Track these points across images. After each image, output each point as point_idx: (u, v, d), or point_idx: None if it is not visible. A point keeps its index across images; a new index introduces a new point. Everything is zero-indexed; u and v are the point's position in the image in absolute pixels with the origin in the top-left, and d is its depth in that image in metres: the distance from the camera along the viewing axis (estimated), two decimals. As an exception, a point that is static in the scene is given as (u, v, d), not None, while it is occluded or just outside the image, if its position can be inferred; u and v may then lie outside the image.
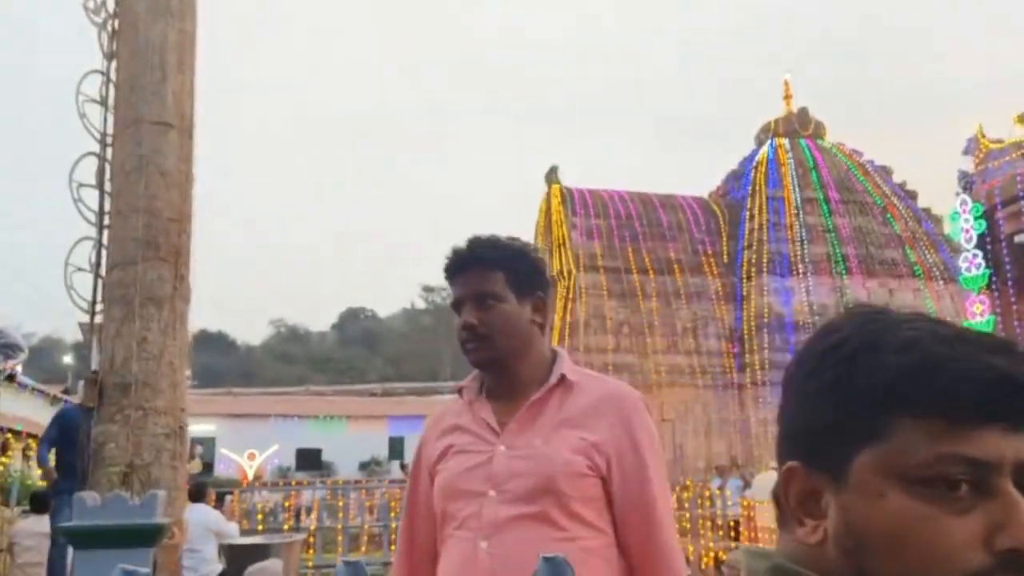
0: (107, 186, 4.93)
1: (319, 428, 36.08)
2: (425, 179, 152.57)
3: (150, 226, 4.78)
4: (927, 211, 28.49)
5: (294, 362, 63.20)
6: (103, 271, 4.88)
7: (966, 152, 12.68)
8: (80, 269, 4.88)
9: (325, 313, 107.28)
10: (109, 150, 4.98)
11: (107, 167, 4.95)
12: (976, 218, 11.27)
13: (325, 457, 34.99)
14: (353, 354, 65.99)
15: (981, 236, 11.38)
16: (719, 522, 11.55)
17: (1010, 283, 12.11)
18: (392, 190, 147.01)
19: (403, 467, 8.17)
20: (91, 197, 4.97)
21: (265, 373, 58.37)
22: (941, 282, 26.48)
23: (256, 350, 69.55)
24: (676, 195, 28.88)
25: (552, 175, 28.42)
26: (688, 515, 11.43)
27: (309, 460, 34.68)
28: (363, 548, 10.19)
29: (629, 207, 27.46)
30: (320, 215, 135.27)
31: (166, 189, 4.84)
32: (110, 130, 4.99)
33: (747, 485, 12.27)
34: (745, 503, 11.15)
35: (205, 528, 6.90)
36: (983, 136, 12.57)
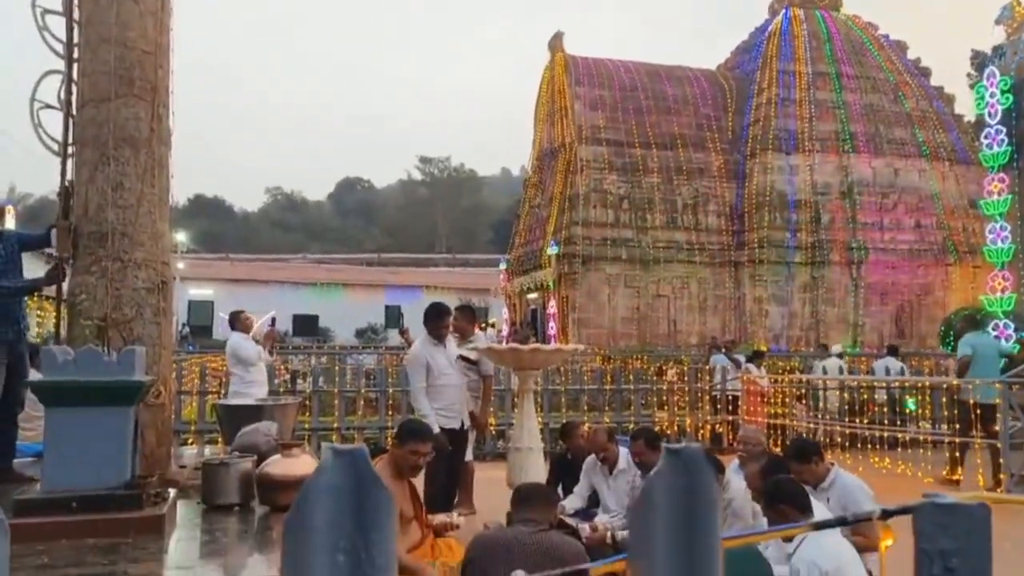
0: (75, 13, 4.47)
1: (316, 295, 36.28)
2: (425, 49, 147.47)
3: (123, 59, 4.36)
4: (939, 90, 27.60)
5: (291, 230, 62.93)
6: (74, 109, 4.49)
7: (998, 21, 11.94)
8: (49, 106, 4.49)
9: (322, 182, 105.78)
10: (74, -27, 4.49)
11: (74, -8, 4.47)
12: (1003, 92, 10.70)
13: (322, 323, 35.34)
14: (350, 224, 65.64)
15: (1006, 111, 10.86)
16: (717, 396, 11.65)
17: (1033, 161, 11.69)
18: (391, 59, 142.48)
19: (402, 334, 8.03)
20: (58, 26, 4.52)
21: (262, 240, 58.20)
22: (947, 163, 25.97)
23: (253, 217, 69.13)
24: (683, 67, 27.88)
25: (556, 42, 27.29)
26: (687, 388, 11.51)
27: (306, 326, 35.04)
28: (360, 412, 10.25)
29: (635, 78, 26.52)
30: (319, 84, 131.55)
31: (139, 18, 4.38)
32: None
33: (737, 365, 12.26)
34: (745, 379, 11.18)
35: (231, 353, 7.96)
36: (1019, 4, 11.81)
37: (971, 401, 8.44)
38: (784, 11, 27.20)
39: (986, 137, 11.30)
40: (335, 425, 10.12)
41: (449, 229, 62.53)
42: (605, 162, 24.71)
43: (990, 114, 11.20)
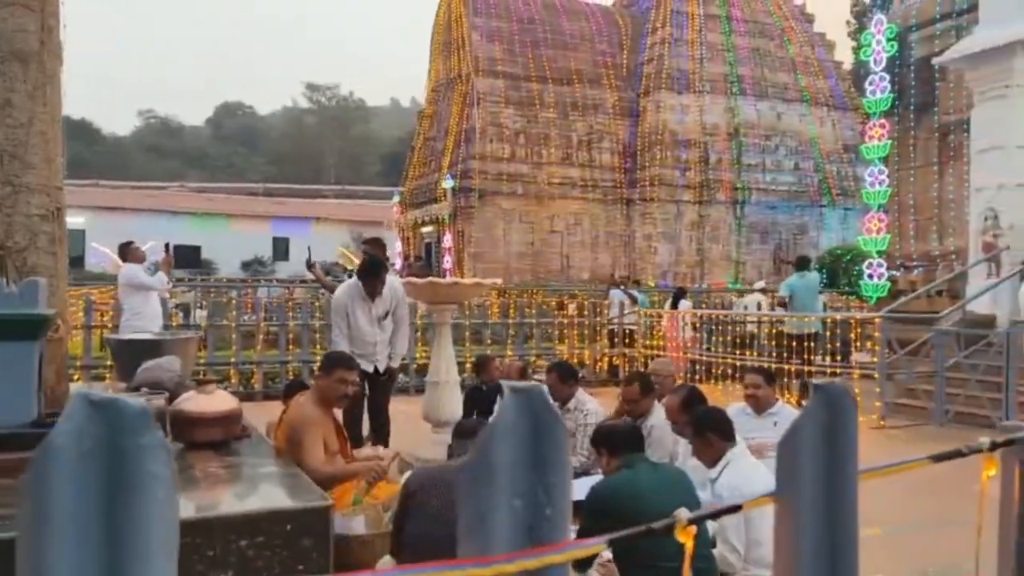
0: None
1: (197, 225, 34.65)
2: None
3: (8, -38, 3.92)
4: (821, 36, 28.65)
5: (167, 156, 59.50)
6: (-48, 16, 4.02)
7: (888, -30, 12.50)
8: (-78, 11, 4.00)
9: (199, 106, 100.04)
10: None
11: None
12: (888, 40, 11.19)
13: (204, 255, 33.89)
14: (231, 151, 62.64)
15: (890, 59, 11.37)
16: (616, 330, 12.00)
17: (912, 108, 12.33)
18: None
19: (310, 267, 7.48)
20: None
21: (135, 167, 54.87)
22: (826, 108, 27.16)
23: (125, 141, 64.92)
24: (581, 1, 27.76)
25: (453, -31, 26.57)
26: (587, 322, 11.81)
27: (186, 258, 33.51)
28: (258, 347, 9.97)
29: (533, 11, 26.22)
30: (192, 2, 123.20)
31: (26, -84, 3.93)
32: None
33: (633, 300, 12.64)
34: (642, 313, 11.55)
35: (128, 283, 7.72)
36: (908, -46, 12.36)
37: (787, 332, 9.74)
38: (680, -50, 27.36)
39: (870, 83, 11.80)
40: (232, 360, 9.83)
41: (337, 160, 60.81)
42: (502, 95, 24.50)
43: (875, 61, 11.67)
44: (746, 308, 13.07)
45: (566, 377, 5.30)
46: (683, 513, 0.64)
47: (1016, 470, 0.74)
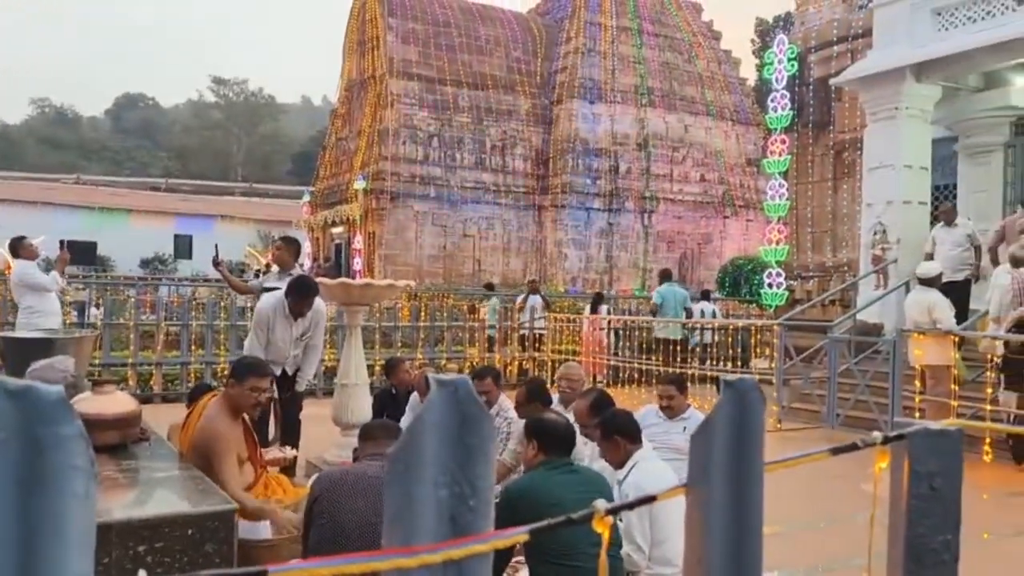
0: None
1: (94, 221, 33.10)
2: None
3: None
4: (727, 53, 29.68)
5: (62, 148, 56.52)
6: None
7: (790, -7, 13.07)
8: None
9: (98, 97, 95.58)
10: None
11: None
12: (790, 59, 11.72)
13: (102, 251, 32.39)
14: (132, 144, 59.95)
15: (791, 78, 11.90)
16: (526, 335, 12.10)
17: (810, 125, 12.91)
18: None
19: (217, 266, 7.16)
20: None
21: (27, 157, 52.05)
22: (730, 123, 28.16)
23: (15, 131, 61.38)
24: (497, 7, 27.95)
25: (369, -32, 26.29)
26: (499, 326, 11.87)
27: (82, 254, 31.96)
28: (158, 347, 9.57)
29: (449, 14, 26.20)
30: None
31: None
32: None
33: (547, 305, 12.83)
34: (552, 318, 11.70)
35: (20, 282, 7.43)
36: (809, -22, 12.97)
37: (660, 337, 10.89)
38: (595, -37, 27.89)
39: (771, 100, 12.31)
40: (130, 360, 9.43)
41: (245, 157, 59.19)
42: (416, 98, 24.38)
43: (777, 79, 12.20)
44: (703, 315, 13.44)
45: (498, 381, 5.33)
46: (601, 504, 0.67)
47: (905, 464, 0.80)
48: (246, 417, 3.96)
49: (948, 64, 9.65)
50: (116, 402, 3.97)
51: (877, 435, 0.79)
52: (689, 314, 11.17)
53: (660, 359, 10.85)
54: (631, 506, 0.72)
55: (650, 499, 0.73)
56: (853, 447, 0.80)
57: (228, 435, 3.74)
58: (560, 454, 3.32)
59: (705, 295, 13.52)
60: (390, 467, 0.57)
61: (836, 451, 0.86)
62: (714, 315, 12.26)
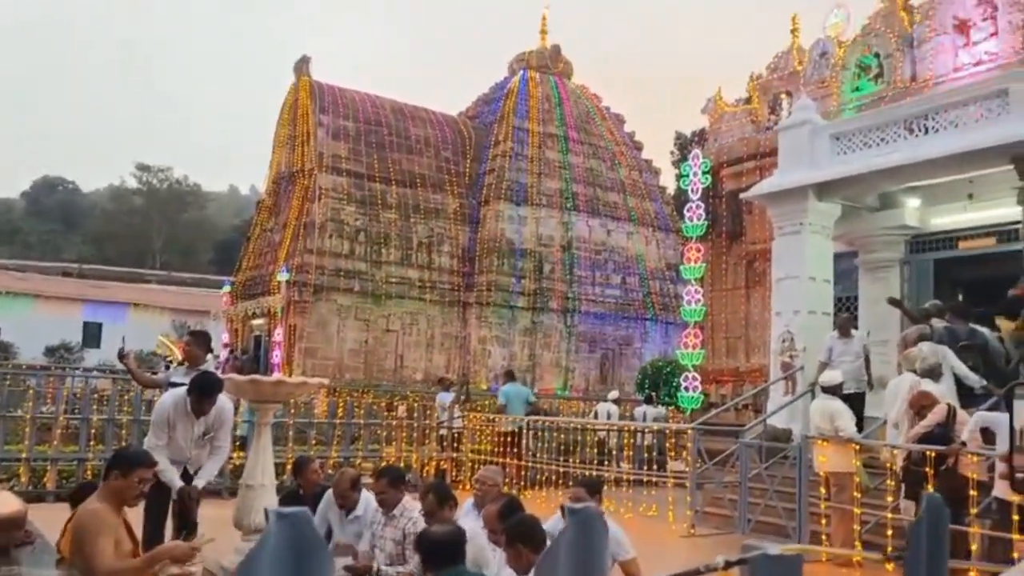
0: None
1: (-2, 305, 31.71)
2: (156, 58, 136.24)
3: None
4: (648, 163, 31.04)
5: (-31, 228, 54.55)
6: None
7: (704, 111, 13.88)
8: None
9: (15, 178, 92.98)
10: None
11: None
12: (704, 172, 12.36)
13: (4, 338, 30.90)
14: (47, 228, 58.23)
15: (706, 190, 12.52)
16: (444, 433, 11.94)
17: (724, 235, 13.49)
18: (106, 45, 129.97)
19: (122, 358, 6.92)
20: None
21: (-70, 237, 49.90)
22: (651, 229, 29.18)
23: (-81, 209, 59.09)
24: (427, 109, 28.67)
25: (303, 66, 26.77)
26: (416, 424, 11.68)
27: (-19, 340, 30.46)
28: (55, 442, 9.07)
29: (380, 113, 26.76)
30: (20, 64, 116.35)
31: None
32: None
33: (460, 400, 12.87)
34: (470, 417, 11.61)
35: None
36: (720, 99, 13.81)
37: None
38: (522, 72, 29.11)
39: (688, 210, 12.89)
40: (23, 455, 8.90)
41: (165, 244, 57.99)
42: (344, 193, 24.56)
43: (692, 190, 12.82)
44: (596, 416, 13.55)
45: (396, 482, 5.20)
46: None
47: (749, 586, 0.85)
48: (126, 515, 3.77)
49: (846, 185, 10.33)
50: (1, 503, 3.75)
51: (720, 559, 0.84)
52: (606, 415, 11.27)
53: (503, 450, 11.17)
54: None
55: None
56: (696, 572, 0.84)
57: (109, 525, 3.53)
58: (445, 566, 3.26)
59: (649, 400, 13.84)
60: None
61: None
62: (666, 419, 12.51)
